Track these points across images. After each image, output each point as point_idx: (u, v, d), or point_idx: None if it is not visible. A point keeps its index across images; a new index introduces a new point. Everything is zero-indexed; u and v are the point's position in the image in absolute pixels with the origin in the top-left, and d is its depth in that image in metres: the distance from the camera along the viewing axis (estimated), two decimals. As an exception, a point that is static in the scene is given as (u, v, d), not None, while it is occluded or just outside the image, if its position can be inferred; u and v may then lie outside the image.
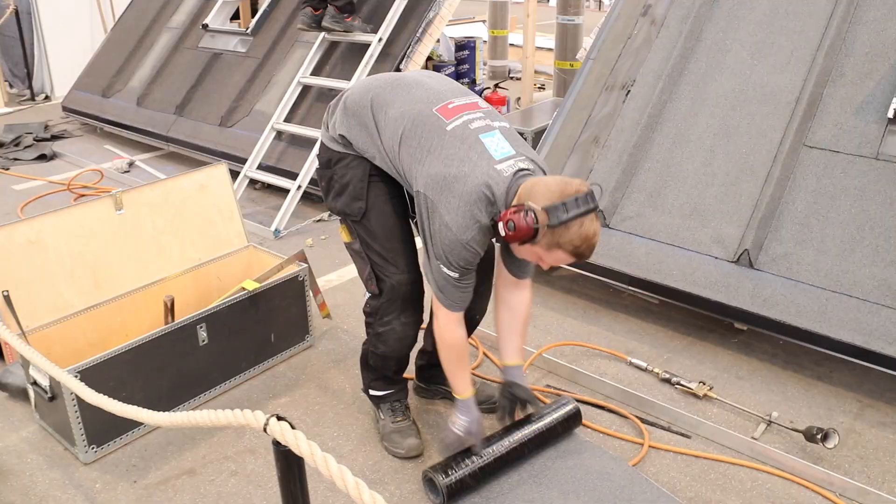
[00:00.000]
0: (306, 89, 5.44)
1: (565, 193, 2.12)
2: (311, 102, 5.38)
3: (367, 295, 2.67)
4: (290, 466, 1.31)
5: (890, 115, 3.35)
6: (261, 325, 3.17)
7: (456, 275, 2.30)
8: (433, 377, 2.97)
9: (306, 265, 3.32)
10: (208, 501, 2.52)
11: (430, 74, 2.61)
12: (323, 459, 1.25)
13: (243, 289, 3.10)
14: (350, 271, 4.18)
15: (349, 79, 5.05)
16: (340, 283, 4.05)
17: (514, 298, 2.61)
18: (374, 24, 5.27)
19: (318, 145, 2.68)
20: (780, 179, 3.43)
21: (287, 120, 5.32)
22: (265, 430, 1.29)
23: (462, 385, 2.52)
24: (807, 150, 3.49)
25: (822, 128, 3.51)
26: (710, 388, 3.02)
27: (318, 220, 4.91)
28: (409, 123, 2.33)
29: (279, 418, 1.30)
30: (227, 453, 2.74)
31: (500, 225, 2.16)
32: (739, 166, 3.57)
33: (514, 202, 2.19)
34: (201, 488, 2.58)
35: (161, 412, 1.81)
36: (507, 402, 2.63)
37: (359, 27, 5.25)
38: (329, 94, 5.22)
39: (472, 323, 2.77)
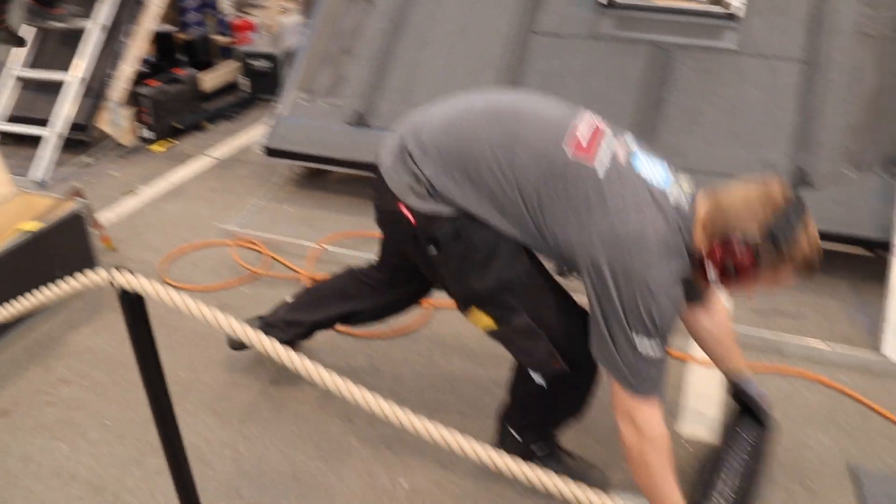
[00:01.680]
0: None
1: (772, 203, 1.75)
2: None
3: (537, 380, 2.10)
4: (135, 310, 1.48)
5: (603, 0, 3.88)
6: (47, 266, 3.17)
7: (660, 351, 1.83)
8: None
9: (86, 200, 3.34)
10: (27, 433, 2.59)
11: (517, 96, 2.13)
12: (167, 294, 1.44)
13: (22, 231, 3.09)
14: (127, 205, 4.21)
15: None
16: (119, 219, 4.07)
17: (708, 321, 2.31)
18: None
19: (385, 204, 2.14)
20: (512, 66, 3.86)
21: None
22: (111, 284, 1.45)
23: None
24: (535, 36, 3.94)
25: (546, 16, 3.98)
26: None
27: (86, 165, 4.82)
28: (542, 176, 1.85)
29: (118, 268, 1.46)
30: (38, 387, 2.80)
31: (712, 271, 1.83)
32: (477, 59, 3.97)
33: (701, 233, 1.83)
34: (18, 422, 2.63)
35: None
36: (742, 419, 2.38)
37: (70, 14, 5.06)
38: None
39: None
